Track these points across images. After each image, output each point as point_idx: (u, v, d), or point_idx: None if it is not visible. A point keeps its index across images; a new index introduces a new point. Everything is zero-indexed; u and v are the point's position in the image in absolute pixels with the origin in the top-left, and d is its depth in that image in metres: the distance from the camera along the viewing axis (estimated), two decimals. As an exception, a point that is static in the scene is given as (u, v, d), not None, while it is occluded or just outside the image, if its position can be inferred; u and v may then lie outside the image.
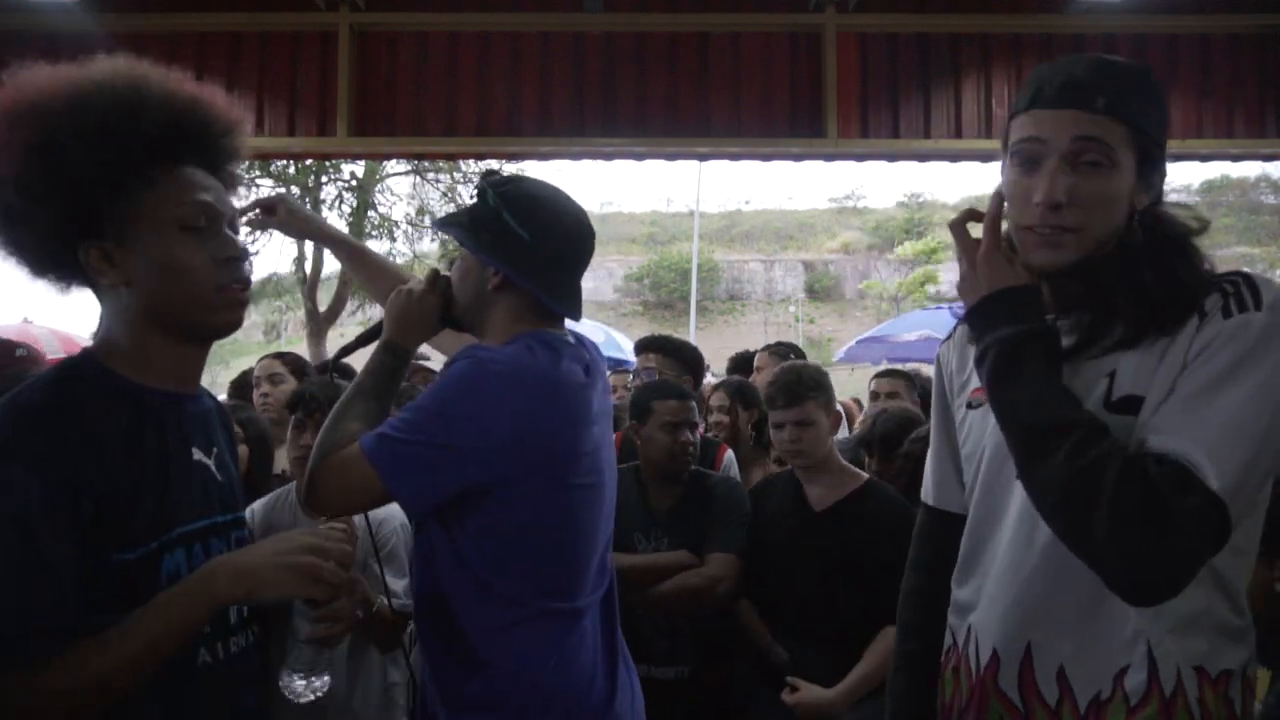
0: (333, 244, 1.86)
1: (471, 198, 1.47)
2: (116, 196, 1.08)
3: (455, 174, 15.93)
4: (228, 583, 1.01)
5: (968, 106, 5.34)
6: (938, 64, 5.35)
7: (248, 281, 1.17)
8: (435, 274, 1.53)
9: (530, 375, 1.33)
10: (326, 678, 1.25)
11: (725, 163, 6.64)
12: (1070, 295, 1.19)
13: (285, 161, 12.73)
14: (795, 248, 46.25)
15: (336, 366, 1.70)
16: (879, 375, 3.83)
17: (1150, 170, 1.16)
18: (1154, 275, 1.12)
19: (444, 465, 1.27)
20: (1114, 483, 0.97)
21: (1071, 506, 1.00)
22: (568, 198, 1.48)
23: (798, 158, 5.67)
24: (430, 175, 15.91)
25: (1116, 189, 1.13)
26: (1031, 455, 1.05)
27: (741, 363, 4.38)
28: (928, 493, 1.49)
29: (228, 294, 1.13)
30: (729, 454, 2.96)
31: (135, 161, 1.09)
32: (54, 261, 1.12)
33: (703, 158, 5.94)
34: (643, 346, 3.38)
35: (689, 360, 3.28)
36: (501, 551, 1.34)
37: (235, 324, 1.17)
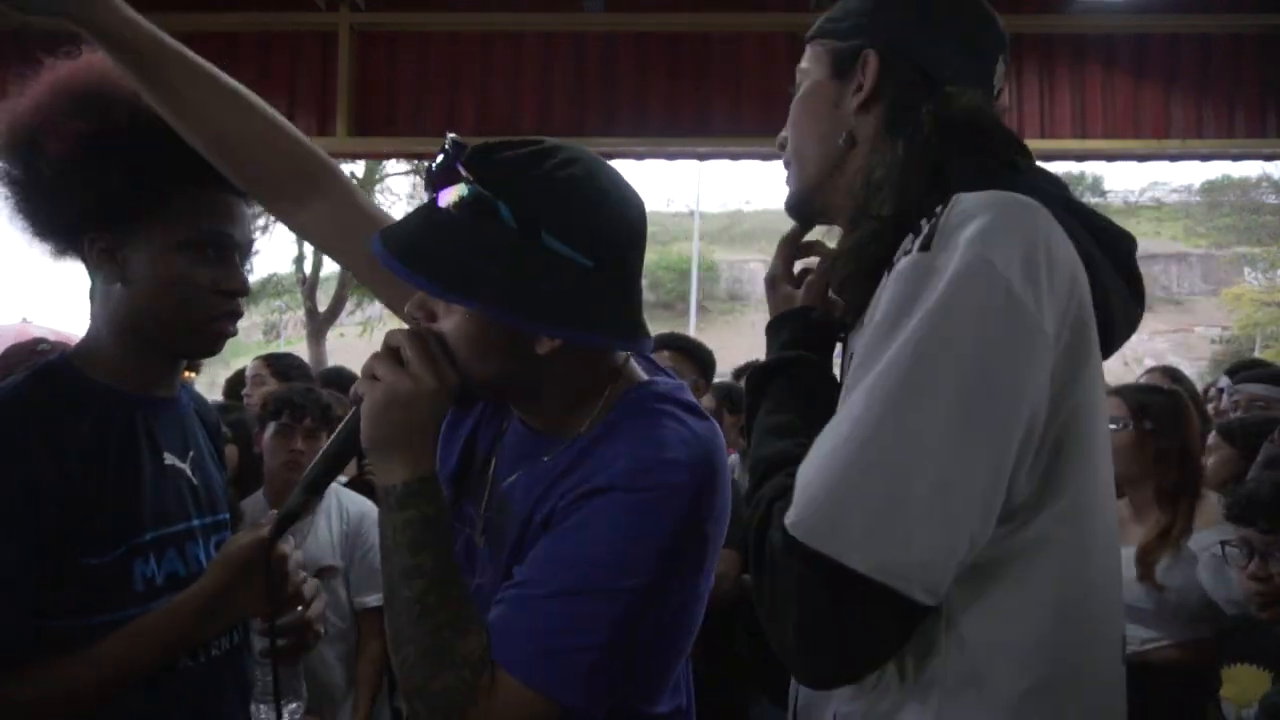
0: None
1: (453, 205, 0.87)
2: (145, 199, 1.07)
3: (455, 174, 15.92)
4: (193, 627, 1.03)
5: (968, 106, 5.34)
6: (938, 64, 5.34)
7: (238, 315, 1.15)
8: (421, 340, 0.91)
9: (718, 479, 0.94)
10: (296, 704, 1.20)
11: (725, 162, 6.65)
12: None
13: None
14: (795, 248, 46.13)
15: (310, 485, 1.01)
16: None
17: (852, 66, 0.92)
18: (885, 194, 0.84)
19: (646, 638, 0.90)
20: (754, 546, 0.77)
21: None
22: (604, 164, 0.96)
23: (798, 157, 5.67)
24: (430, 175, 15.91)
25: (802, 106, 0.99)
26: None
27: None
28: None
29: (217, 325, 1.12)
30: (733, 457, 2.96)
31: (175, 172, 1.08)
32: (57, 235, 1.12)
33: (703, 157, 5.95)
34: (662, 344, 3.27)
35: (704, 360, 3.27)
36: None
37: (212, 353, 1.16)
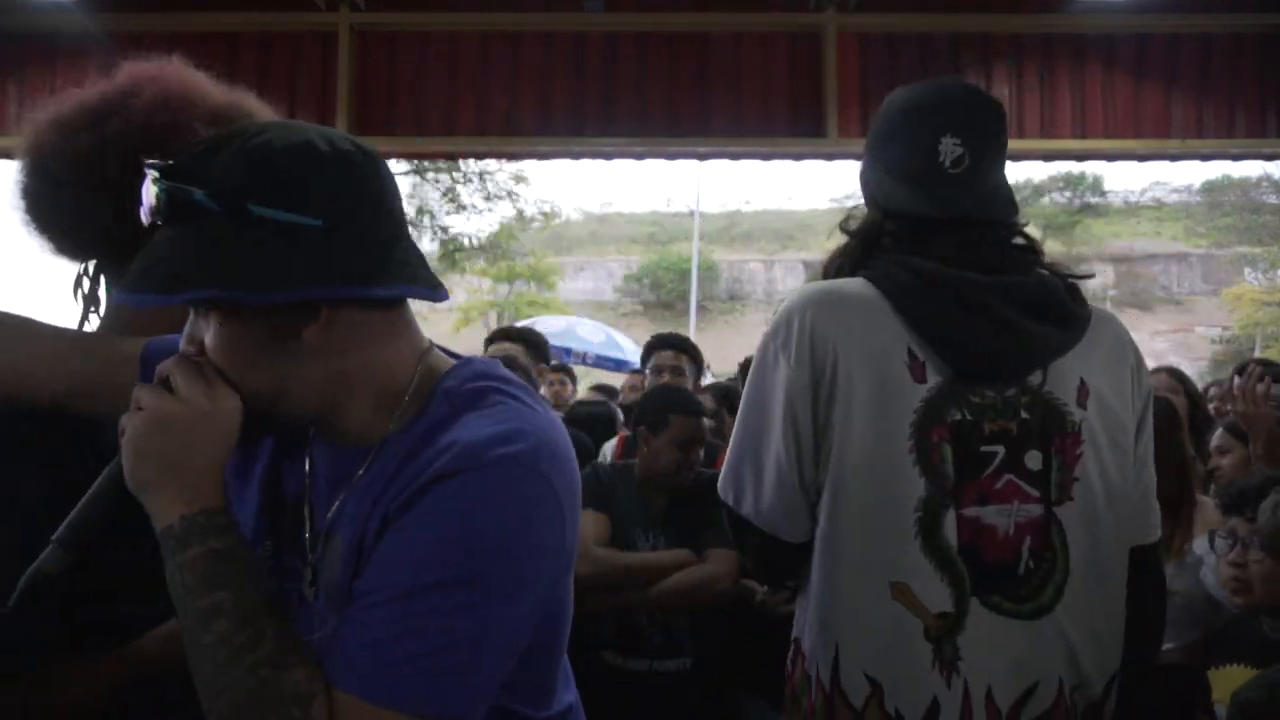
0: None
1: (152, 212, 0.79)
2: None
3: (455, 173, 15.94)
4: None
5: (968, 106, 5.34)
6: (938, 64, 5.34)
7: None
8: (189, 361, 0.83)
9: (561, 451, 0.86)
10: None
11: (725, 162, 6.65)
12: None
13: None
14: (795, 248, 46.26)
15: (66, 542, 0.83)
16: None
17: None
18: None
19: (509, 654, 0.82)
20: None
21: None
22: (327, 133, 0.84)
23: (798, 157, 5.68)
24: (430, 175, 15.92)
25: None
26: None
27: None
28: None
29: None
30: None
31: None
32: (74, 244, 1.10)
33: (702, 157, 5.95)
34: (664, 344, 3.23)
35: (699, 359, 3.28)
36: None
37: None
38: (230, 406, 0.82)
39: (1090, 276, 1.29)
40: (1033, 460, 1.16)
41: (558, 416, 0.92)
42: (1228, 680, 1.71)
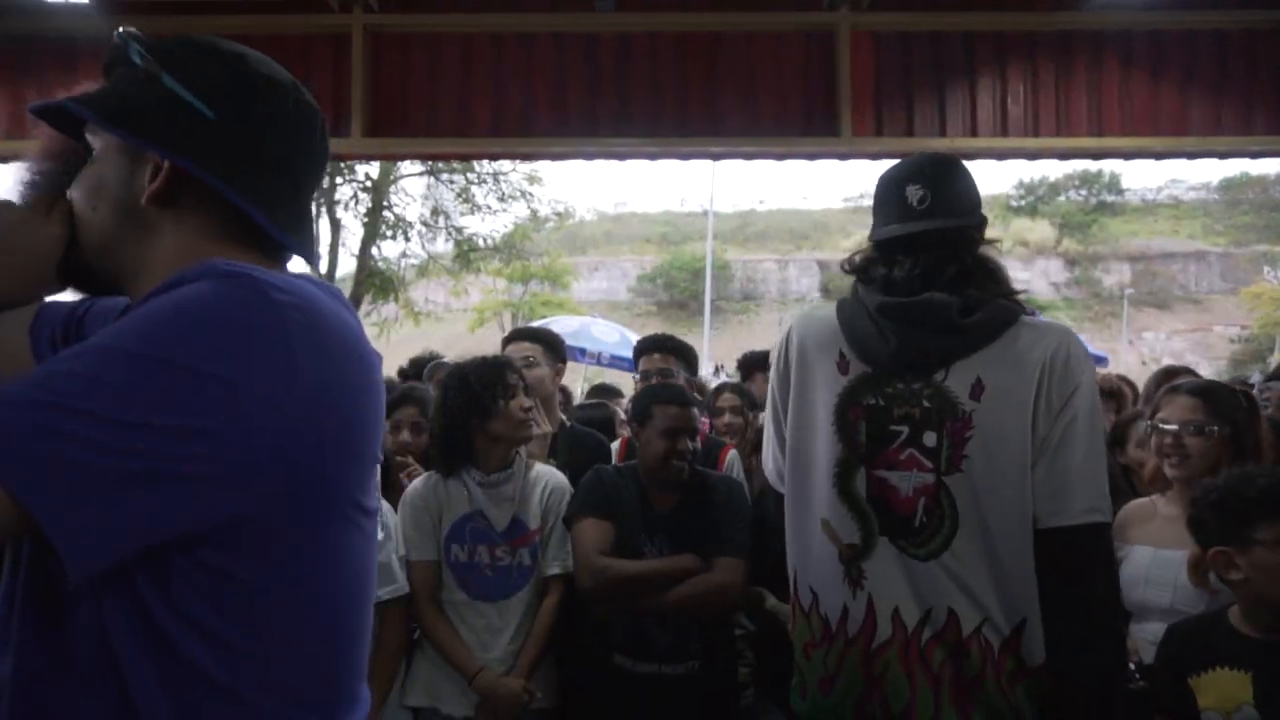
0: None
1: (138, 76, 0.86)
2: None
3: (469, 174, 15.98)
4: None
5: (983, 104, 5.31)
6: (952, 62, 5.32)
7: None
8: (48, 193, 0.91)
9: (324, 318, 0.79)
10: None
11: (739, 162, 6.64)
12: None
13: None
14: (810, 247, 46.14)
15: None
16: None
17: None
18: None
19: (156, 482, 0.68)
20: None
21: None
22: (269, 60, 0.91)
23: (812, 157, 5.66)
24: (444, 176, 15.96)
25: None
26: None
27: (751, 362, 4.37)
28: None
29: None
30: (731, 454, 2.95)
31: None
32: None
33: (716, 157, 5.94)
34: (652, 346, 3.27)
35: (691, 358, 3.28)
36: (243, 635, 0.76)
37: None
38: (52, 232, 0.87)
39: (1017, 293, 1.55)
40: (929, 439, 1.47)
41: (348, 318, 0.85)
42: (1213, 686, 1.67)
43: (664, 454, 2.32)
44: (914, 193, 1.53)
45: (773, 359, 1.69)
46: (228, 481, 0.71)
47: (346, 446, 0.79)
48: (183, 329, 0.71)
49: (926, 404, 1.47)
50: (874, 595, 1.47)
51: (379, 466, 0.93)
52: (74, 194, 0.88)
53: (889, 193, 1.58)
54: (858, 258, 1.61)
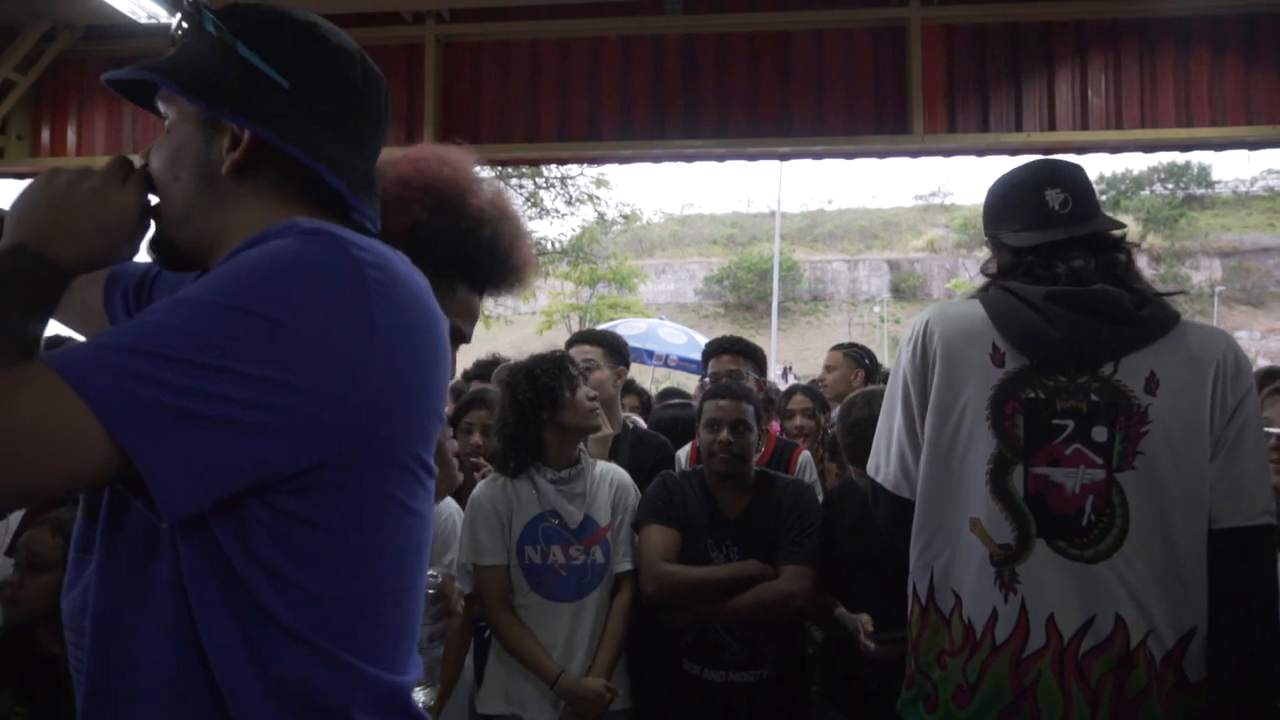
0: None
1: (213, 45, 0.88)
2: (441, 288, 1.08)
3: (537, 179, 16.19)
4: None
5: (1062, 97, 5.15)
6: (1029, 54, 5.16)
7: None
8: (122, 160, 0.91)
9: (400, 278, 0.80)
10: (429, 690, 1.20)
11: (807, 162, 6.58)
12: None
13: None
14: (880, 247, 45.40)
15: None
16: None
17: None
18: None
19: (247, 428, 0.71)
20: None
21: None
22: (338, 29, 0.95)
23: (882, 155, 5.56)
24: (513, 180, 16.21)
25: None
26: None
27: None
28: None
29: None
30: (804, 456, 2.92)
31: (466, 271, 1.14)
32: None
33: (784, 157, 5.89)
34: (721, 348, 3.25)
35: (761, 361, 3.26)
36: (310, 579, 0.78)
37: None
38: (130, 200, 0.88)
39: (1172, 293, 1.55)
40: (1099, 434, 1.42)
41: (426, 284, 0.86)
42: None
43: (708, 446, 2.32)
44: (1055, 196, 1.53)
45: (905, 355, 1.58)
46: (311, 429, 0.73)
47: (418, 402, 0.81)
48: (269, 282, 0.73)
49: (1095, 397, 1.42)
50: (1027, 600, 1.41)
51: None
52: (153, 163, 0.90)
53: (1024, 197, 1.56)
54: (1003, 263, 1.58)
